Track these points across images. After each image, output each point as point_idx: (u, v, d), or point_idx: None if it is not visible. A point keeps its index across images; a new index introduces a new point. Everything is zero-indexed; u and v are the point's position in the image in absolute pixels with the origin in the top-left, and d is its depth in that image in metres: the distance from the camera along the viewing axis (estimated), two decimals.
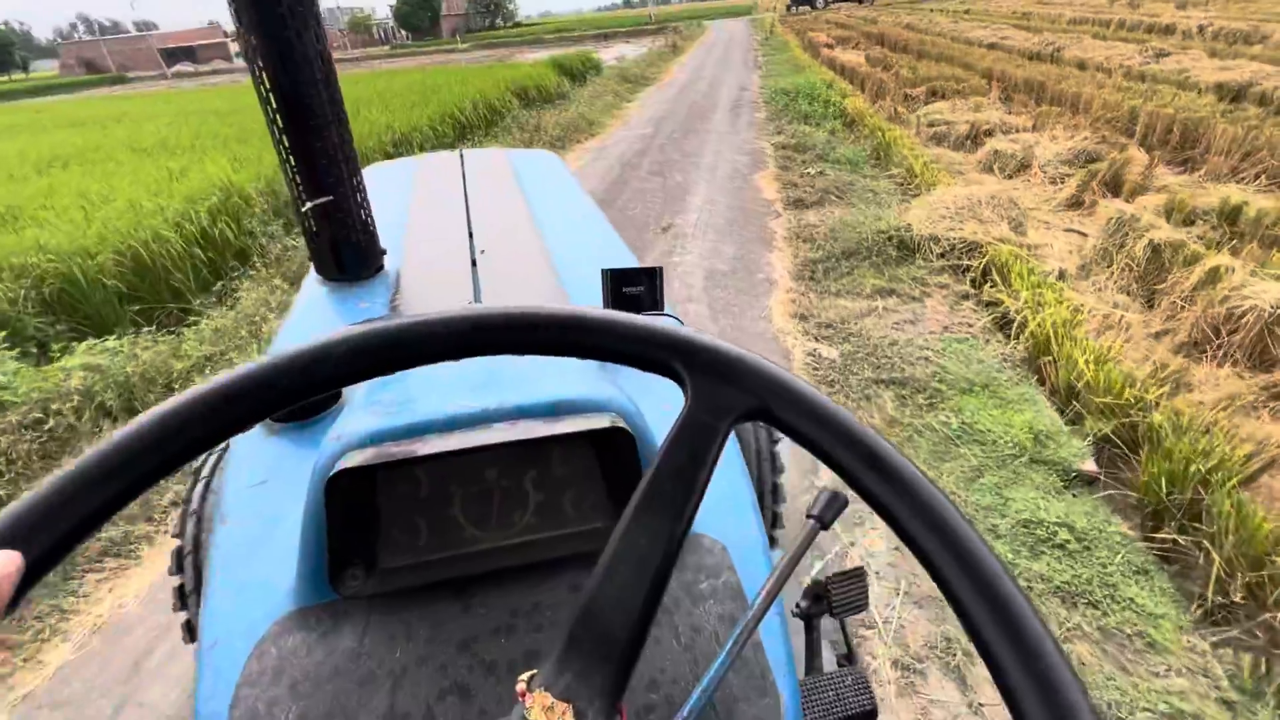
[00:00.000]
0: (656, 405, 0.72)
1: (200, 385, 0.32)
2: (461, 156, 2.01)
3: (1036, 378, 2.68)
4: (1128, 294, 3.48)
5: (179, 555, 0.80)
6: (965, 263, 3.58)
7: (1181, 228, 3.96)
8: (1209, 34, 12.17)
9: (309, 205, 1.06)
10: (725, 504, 0.72)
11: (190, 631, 0.81)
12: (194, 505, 0.82)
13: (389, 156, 6.08)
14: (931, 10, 27.84)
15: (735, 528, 0.70)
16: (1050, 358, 2.68)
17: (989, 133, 6.96)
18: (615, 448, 0.62)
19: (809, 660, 0.89)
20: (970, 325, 3.07)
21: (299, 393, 0.33)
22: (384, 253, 1.22)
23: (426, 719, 0.52)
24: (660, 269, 0.84)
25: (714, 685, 0.37)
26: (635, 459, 0.62)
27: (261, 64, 0.94)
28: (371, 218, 1.16)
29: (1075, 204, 5.04)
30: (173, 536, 0.82)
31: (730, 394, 0.34)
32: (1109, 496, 2.07)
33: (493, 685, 0.54)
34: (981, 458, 2.24)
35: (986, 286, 3.29)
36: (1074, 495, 2.07)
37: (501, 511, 0.65)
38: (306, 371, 0.33)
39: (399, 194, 1.69)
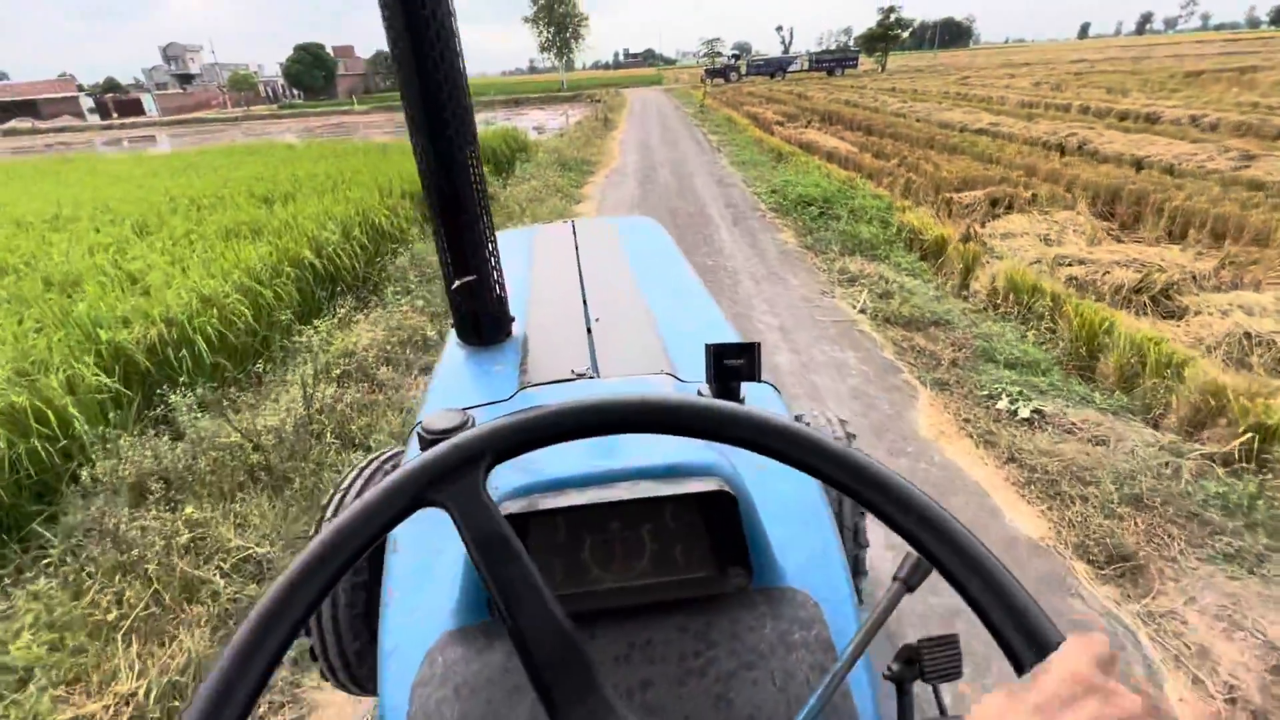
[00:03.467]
0: (749, 467, 0.76)
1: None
2: (574, 227, 2.11)
3: None
4: None
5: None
6: None
7: None
8: (1208, 125, 11.06)
9: (457, 284, 1.22)
10: (817, 562, 0.78)
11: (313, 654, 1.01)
12: None
13: None
14: (852, 87, 27.59)
15: (826, 584, 0.75)
16: None
17: (1174, 288, 4.56)
18: (720, 508, 0.70)
19: None
20: None
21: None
22: (513, 320, 1.36)
23: None
24: (758, 344, 0.88)
25: None
26: (737, 518, 0.69)
27: (429, 172, 1.13)
28: (505, 292, 1.32)
29: None
30: None
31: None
32: None
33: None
34: None
35: None
36: None
37: (623, 557, 0.73)
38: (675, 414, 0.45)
39: (522, 262, 1.81)
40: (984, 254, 5.24)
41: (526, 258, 1.84)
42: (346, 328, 4.06)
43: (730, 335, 1.26)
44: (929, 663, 0.68)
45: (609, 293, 1.54)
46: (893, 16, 43.84)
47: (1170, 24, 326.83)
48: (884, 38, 43.63)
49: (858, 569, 1.07)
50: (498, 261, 1.26)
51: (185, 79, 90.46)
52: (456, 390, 1.18)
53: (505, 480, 0.69)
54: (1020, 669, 0.34)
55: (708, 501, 0.71)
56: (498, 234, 2.14)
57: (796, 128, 15.08)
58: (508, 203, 7.12)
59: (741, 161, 10.51)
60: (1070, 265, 5.01)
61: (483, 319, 1.29)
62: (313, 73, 69.25)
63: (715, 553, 0.73)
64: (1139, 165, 8.09)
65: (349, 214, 5.26)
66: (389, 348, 3.70)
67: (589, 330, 1.32)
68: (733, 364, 0.86)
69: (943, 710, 0.89)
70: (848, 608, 0.73)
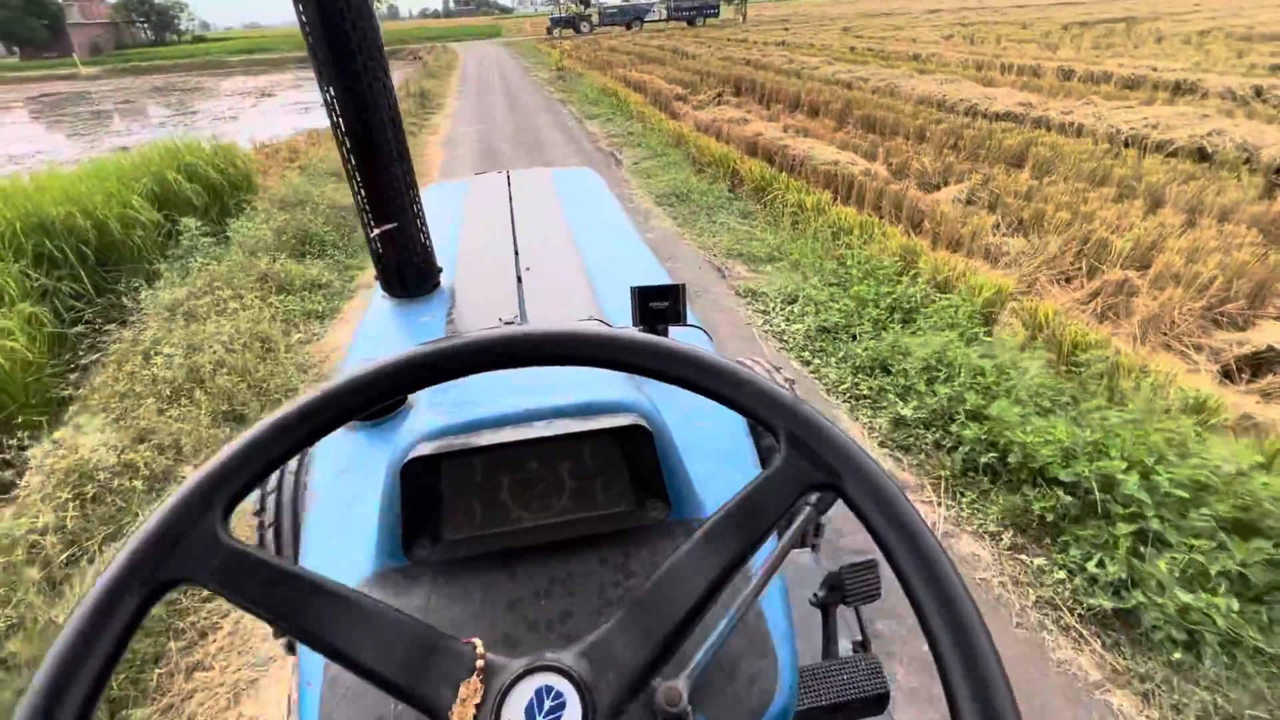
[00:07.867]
0: (674, 407, 0.82)
1: (362, 368, 0.42)
2: (508, 177, 2.09)
3: None
4: None
5: (261, 528, 0.86)
6: None
7: None
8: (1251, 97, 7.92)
9: (376, 231, 1.14)
10: (735, 489, 0.71)
11: None
12: (270, 487, 0.88)
13: None
14: (731, 40, 23.20)
15: None
16: None
17: None
18: (637, 442, 0.70)
19: (825, 646, 0.95)
20: None
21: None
22: (440, 271, 1.31)
23: None
24: (683, 285, 0.89)
25: (719, 643, 0.46)
26: (654, 452, 0.70)
27: (339, 112, 1.03)
28: (430, 240, 1.26)
29: None
30: (254, 515, 0.86)
31: (816, 470, 0.39)
32: None
33: (534, 639, 0.62)
34: None
35: None
36: None
37: (542, 495, 0.73)
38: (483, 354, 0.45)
39: (452, 213, 1.77)
40: None
41: (458, 208, 1.82)
42: None
43: (664, 280, 1.16)
44: (850, 588, 0.72)
45: (541, 241, 1.53)
46: None
47: None
48: None
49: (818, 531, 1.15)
50: (420, 208, 1.23)
51: None
52: (382, 344, 1.18)
53: (420, 422, 0.68)
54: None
55: (625, 437, 0.71)
56: (429, 187, 1.93)
57: (700, 102, 10.39)
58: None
59: (674, 196, 5.62)
60: None
61: (407, 269, 1.25)
62: (27, 21, 52.28)
63: (634, 487, 0.74)
64: None
65: None
66: None
67: (519, 279, 1.31)
68: (658, 306, 0.88)
69: (864, 633, 1.03)
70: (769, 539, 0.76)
